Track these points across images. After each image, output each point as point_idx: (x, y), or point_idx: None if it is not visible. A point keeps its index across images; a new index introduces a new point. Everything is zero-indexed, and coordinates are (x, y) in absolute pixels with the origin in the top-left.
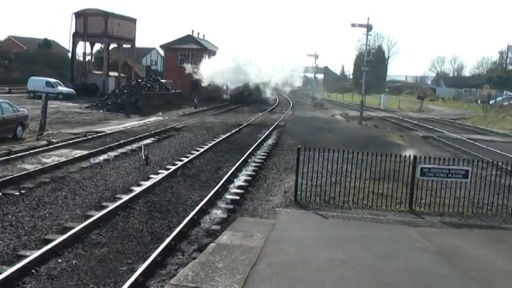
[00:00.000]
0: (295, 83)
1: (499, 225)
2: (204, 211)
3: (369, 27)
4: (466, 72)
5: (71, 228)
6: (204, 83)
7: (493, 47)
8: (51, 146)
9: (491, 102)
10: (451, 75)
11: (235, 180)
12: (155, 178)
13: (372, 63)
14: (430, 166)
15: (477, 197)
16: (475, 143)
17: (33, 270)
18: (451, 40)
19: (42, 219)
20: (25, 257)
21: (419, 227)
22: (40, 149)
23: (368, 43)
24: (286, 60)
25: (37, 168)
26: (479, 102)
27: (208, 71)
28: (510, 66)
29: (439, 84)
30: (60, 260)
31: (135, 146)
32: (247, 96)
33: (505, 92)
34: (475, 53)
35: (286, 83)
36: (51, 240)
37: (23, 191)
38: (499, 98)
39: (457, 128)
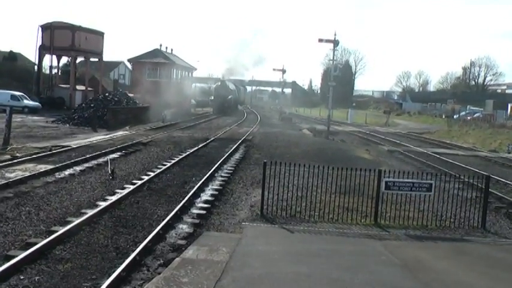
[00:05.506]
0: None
1: (461, 238)
2: (170, 226)
3: (336, 43)
4: (431, 87)
5: (34, 244)
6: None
7: (457, 62)
8: (15, 161)
9: (455, 116)
10: (416, 90)
11: (201, 194)
12: (121, 193)
13: (339, 78)
14: (395, 180)
15: (441, 210)
16: (439, 157)
17: None
18: (416, 56)
19: (5, 235)
20: None
21: (384, 240)
22: (4, 164)
23: (335, 58)
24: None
25: (0, 183)
26: (443, 116)
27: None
28: (473, 81)
29: (405, 99)
30: (22, 277)
31: (101, 160)
32: (227, 108)
33: (468, 106)
34: (439, 68)
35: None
36: (13, 257)
37: None
38: (463, 113)
39: (423, 142)
